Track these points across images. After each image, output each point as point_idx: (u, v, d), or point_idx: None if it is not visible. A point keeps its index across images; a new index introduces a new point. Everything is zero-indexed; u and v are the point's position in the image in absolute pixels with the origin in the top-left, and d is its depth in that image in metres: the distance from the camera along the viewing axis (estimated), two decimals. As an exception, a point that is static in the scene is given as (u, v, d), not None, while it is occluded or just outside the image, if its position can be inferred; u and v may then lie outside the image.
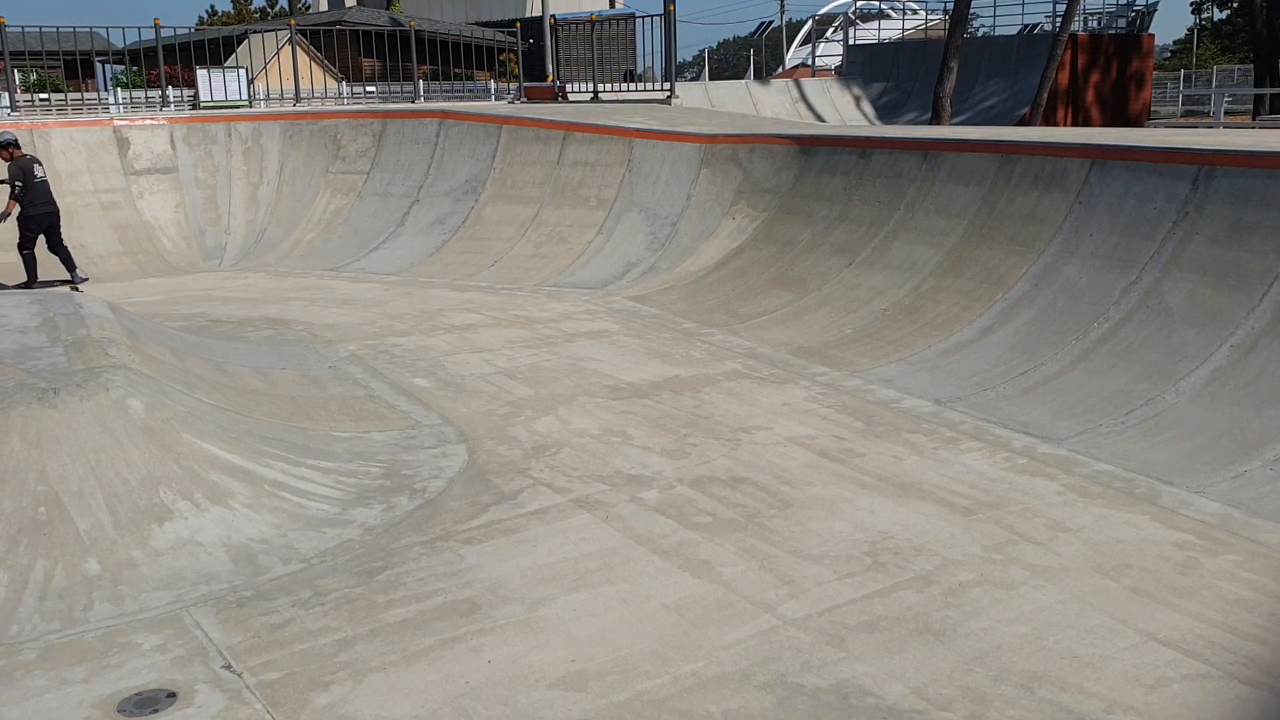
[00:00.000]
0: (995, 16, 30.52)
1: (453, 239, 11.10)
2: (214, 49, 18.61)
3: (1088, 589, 3.80)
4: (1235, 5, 53.23)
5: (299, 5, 47.12)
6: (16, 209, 9.84)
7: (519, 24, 21.27)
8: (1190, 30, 62.63)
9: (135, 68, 24.52)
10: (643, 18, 19.09)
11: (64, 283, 10.11)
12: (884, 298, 7.63)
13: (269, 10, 49.33)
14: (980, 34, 32.48)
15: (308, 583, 3.90)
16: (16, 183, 9.78)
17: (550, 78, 19.80)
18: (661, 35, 17.50)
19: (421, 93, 17.96)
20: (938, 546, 4.17)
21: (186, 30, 20.30)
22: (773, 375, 6.69)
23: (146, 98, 15.48)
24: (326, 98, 17.66)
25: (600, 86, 18.27)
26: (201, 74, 14.05)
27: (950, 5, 25.65)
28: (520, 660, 3.37)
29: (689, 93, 21.60)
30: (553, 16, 23.36)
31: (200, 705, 3.13)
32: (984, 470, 5.00)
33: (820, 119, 25.94)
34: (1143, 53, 27.93)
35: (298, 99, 15.59)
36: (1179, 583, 3.84)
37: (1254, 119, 29.40)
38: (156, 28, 14.56)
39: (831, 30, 41.64)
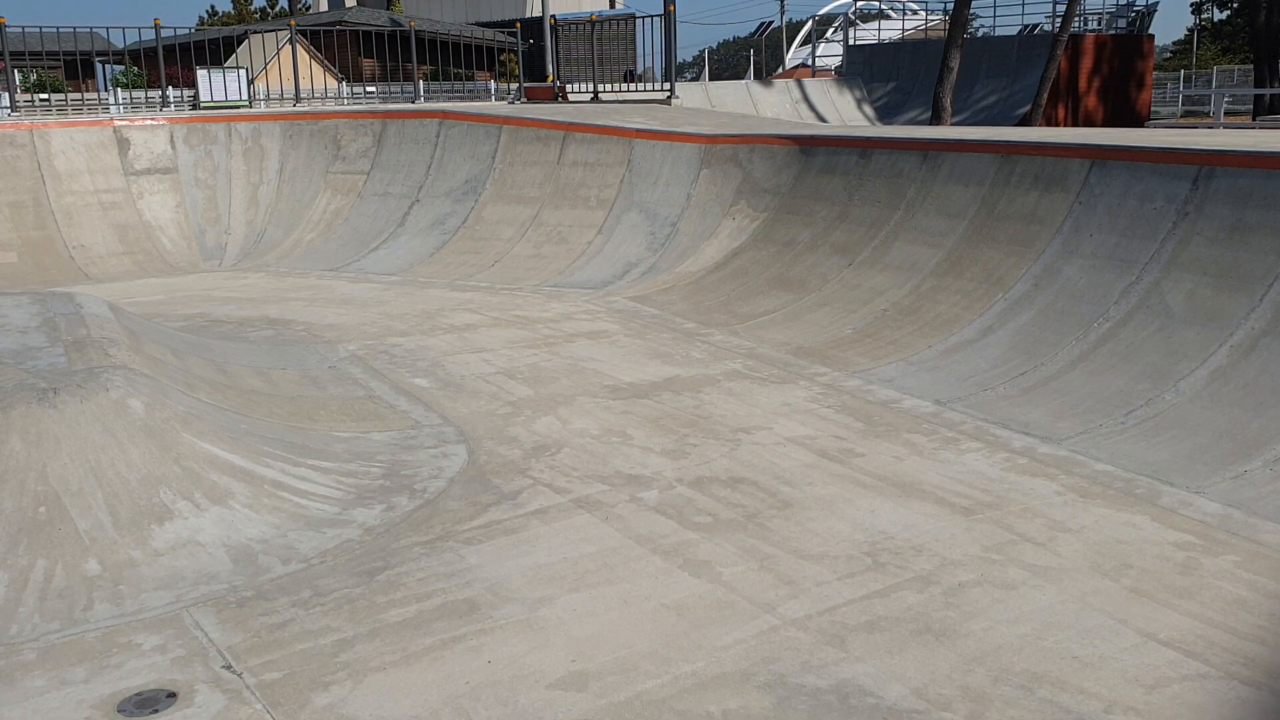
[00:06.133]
0: (995, 16, 30.59)
1: (453, 239, 11.10)
2: (214, 49, 18.60)
3: (1087, 589, 3.81)
4: (1235, 5, 53.23)
5: (299, 5, 47.14)
6: None
7: (519, 24, 21.27)
8: (1190, 30, 62.71)
9: (135, 68, 24.53)
10: (643, 18, 19.12)
11: None
12: (884, 298, 7.63)
13: (269, 10, 49.36)
14: (980, 34, 32.52)
15: (308, 583, 3.90)
16: None
17: (550, 78, 19.81)
18: (661, 35, 17.52)
19: (421, 93, 17.97)
20: (938, 546, 4.17)
21: (186, 30, 20.30)
22: (773, 375, 6.69)
23: (146, 98, 15.49)
24: (326, 98, 17.66)
25: (600, 87, 18.27)
26: (202, 74, 14.05)
27: (950, 5, 25.66)
28: (520, 660, 3.37)
29: (689, 93, 21.62)
30: (553, 17, 23.39)
31: (200, 705, 3.13)
32: (984, 470, 5.00)
33: (821, 119, 25.98)
34: (1143, 53, 27.95)
35: (298, 99, 15.60)
36: (1179, 583, 3.84)
37: (1254, 119, 29.44)
38: (156, 28, 14.57)
39: (831, 30, 41.75)
